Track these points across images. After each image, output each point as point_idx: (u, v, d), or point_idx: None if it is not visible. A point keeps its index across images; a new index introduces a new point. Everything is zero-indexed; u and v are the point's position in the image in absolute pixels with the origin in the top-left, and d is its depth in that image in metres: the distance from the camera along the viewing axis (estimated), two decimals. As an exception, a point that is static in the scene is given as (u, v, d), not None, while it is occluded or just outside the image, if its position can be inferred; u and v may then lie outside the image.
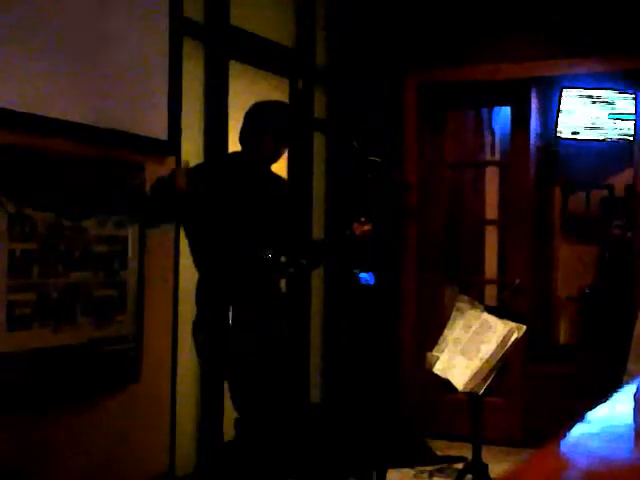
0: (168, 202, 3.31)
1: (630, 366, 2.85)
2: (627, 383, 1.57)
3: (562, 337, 6.68)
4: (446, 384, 3.99)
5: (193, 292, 3.56)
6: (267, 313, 3.50)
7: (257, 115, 3.61)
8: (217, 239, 3.45)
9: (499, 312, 4.05)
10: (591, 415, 1.24)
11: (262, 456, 3.43)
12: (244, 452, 3.48)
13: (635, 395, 1.36)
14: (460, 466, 4.43)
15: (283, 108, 3.85)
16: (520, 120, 5.67)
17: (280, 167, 4.55)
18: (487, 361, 3.79)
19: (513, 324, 3.86)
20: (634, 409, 1.33)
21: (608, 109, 5.70)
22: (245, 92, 4.61)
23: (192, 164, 3.87)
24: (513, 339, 3.81)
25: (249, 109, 3.65)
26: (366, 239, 3.68)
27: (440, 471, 4.82)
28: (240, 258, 3.42)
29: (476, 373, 3.80)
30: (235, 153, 3.75)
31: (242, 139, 3.64)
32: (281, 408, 3.51)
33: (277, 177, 3.83)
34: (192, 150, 4.33)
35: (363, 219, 3.69)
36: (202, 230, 3.50)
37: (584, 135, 5.80)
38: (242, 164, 3.59)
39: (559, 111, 5.73)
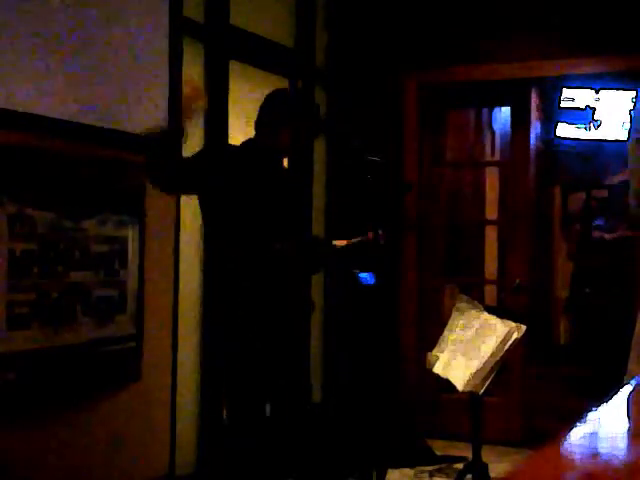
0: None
1: (631, 366, 2.85)
2: (627, 383, 1.58)
3: (562, 337, 6.68)
4: (446, 384, 3.99)
5: (193, 292, 3.55)
6: (271, 311, 3.47)
7: (276, 103, 3.48)
8: (233, 229, 3.37)
9: (499, 312, 4.05)
10: (591, 415, 1.24)
11: (263, 456, 3.43)
12: (245, 452, 3.47)
13: (629, 396, 1.36)
14: (460, 466, 4.43)
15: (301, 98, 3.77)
16: (520, 120, 5.67)
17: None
18: (487, 361, 3.79)
19: (513, 324, 3.86)
20: (627, 409, 1.34)
21: (608, 109, 5.70)
22: (245, 92, 4.61)
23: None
24: (513, 339, 3.81)
25: (268, 95, 3.51)
26: (366, 246, 3.65)
27: (440, 471, 4.82)
28: (255, 249, 3.36)
29: (476, 373, 3.80)
30: (249, 141, 3.57)
31: (258, 127, 3.50)
32: (282, 408, 3.50)
33: (288, 170, 3.75)
34: (192, 150, 4.32)
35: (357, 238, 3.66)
36: (221, 219, 3.41)
37: (584, 135, 5.80)
38: (258, 153, 3.50)
39: (559, 111, 5.74)
